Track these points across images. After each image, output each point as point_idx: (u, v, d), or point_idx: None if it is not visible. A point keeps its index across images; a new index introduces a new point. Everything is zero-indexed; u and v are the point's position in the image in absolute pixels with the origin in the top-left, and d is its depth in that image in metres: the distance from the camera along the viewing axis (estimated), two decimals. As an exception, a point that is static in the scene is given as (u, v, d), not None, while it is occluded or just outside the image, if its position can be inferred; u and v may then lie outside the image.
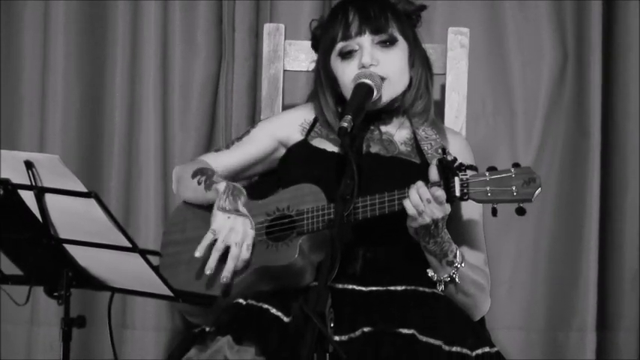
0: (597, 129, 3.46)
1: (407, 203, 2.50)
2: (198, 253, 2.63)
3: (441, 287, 2.63)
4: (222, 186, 2.70)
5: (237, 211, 2.65)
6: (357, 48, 2.75)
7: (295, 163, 2.82)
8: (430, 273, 2.64)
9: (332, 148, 2.80)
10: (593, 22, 3.45)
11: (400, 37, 2.77)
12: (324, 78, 2.83)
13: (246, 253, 2.62)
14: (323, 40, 2.82)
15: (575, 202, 3.50)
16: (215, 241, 2.63)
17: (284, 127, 2.90)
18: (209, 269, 2.62)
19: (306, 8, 3.42)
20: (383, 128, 2.82)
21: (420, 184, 2.50)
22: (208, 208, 2.75)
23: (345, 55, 2.76)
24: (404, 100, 2.82)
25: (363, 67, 2.71)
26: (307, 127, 2.87)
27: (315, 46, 2.93)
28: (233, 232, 2.63)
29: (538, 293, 3.52)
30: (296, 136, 2.87)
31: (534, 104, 3.52)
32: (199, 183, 2.76)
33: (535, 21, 3.51)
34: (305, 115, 2.90)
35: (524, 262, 3.53)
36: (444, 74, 3.13)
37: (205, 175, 2.77)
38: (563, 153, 3.53)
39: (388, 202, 2.55)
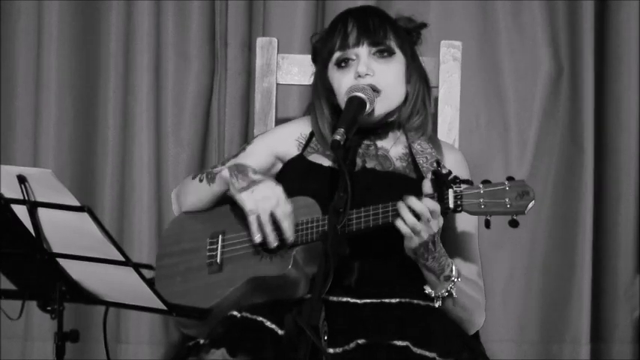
0: (590, 142, 3.47)
1: (400, 224, 2.51)
2: (258, 239, 2.61)
3: (438, 303, 2.63)
4: (225, 172, 2.70)
5: (253, 182, 2.65)
6: (354, 57, 2.76)
7: (291, 178, 2.81)
8: (427, 290, 2.63)
9: (328, 163, 2.80)
10: (585, 36, 3.47)
11: (398, 50, 2.78)
12: (321, 88, 2.84)
13: (289, 207, 2.61)
14: (321, 50, 2.82)
15: (568, 213, 3.50)
16: (259, 219, 2.62)
17: (280, 141, 2.90)
18: (274, 244, 2.61)
19: (299, 22, 3.43)
20: (379, 143, 2.83)
21: (412, 201, 2.50)
22: (203, 218, 2.76)
23: (342, 63, 2.76)
24: (400, 115, 2.82)
25: (359, 76, 2.72)
26: (303, 142, 2.87)
27: (315, 59, 2.93)
28: (265, 199, 2.62)
29: (532, 305, 3.53)
30: (292, 151, 2.87)
31: (528, 117, 3.53)
32: (201, 180, 2.77)
33: (529, 34, 3.52)
34: (301, 129, 2.90)
35: (518, 274, 3.53)
36: (437, 87, 3.14)
37: (205, 171, 2.78)
38: (557, 166, 3.54)
39: (382, 214, 2.55)
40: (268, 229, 2.61)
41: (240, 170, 2.69)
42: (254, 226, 2.62)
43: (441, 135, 3.10)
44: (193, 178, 2.82)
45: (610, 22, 3.52)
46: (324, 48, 2.80)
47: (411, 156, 2.81)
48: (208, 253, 2.73)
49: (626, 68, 3.48)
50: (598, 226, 3.52)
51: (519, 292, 3.52)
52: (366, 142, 2.82)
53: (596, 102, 3.49)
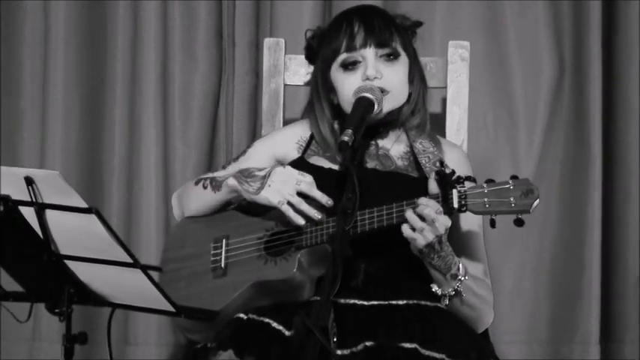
0: (598, 141, 3.46)
1: (403, 227, 2.51)
2: (301, 221, 2.60)
3: (445, 302, 2.62)
4: (232, 181, 2.70)
5: (263, 178, 2.66)
6: (360, 59, 2.75)
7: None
8: (434, 288, 2.62)
9: (329, 165, 2.80)
10: (592, 34, 3.46)
11: (402, 52, 2.78)
12: (321, 89, 2.83)
13: (308, 177, 2.62)
14: (323, 50, 2.81)
15: (577, 213, 3.50)
16: (292, 205, 2.62)
17: (280, 145, 2.89)
18: (318, 216, 2.60)
19: (306, 22, 3.42)
20: (379, 143, 2.82)
21: (422, 208, 2.50)
22: (207, 223, 2.76)
23: (348, 66, 2.75)
24: (401, 114, 2.81)
25: (368, 79, 2.71)
26: (304, 145, 2.87)
27: (309, 57, 2.92)
28: (284, 184, 2.62)
29: (541, 306, 3.52)
30: (293, 154, 2.86)
31: (535, 115, 3.52)
32: (205, 187, 2.76)
33: (536, 33, 3.51)
34: (301, 132, 2.89)
35: (527, 274, 3.53)
36: (445, 87, 3.13)
37: (208, 178, 2.78)
38: (564, 164, 3.53)
39: (387, 216, 2.55)
40: (305, 207, 2.61)
41: (246, 175, 2.69)
42: (291, 213, 2.61)
43: (449, 135, 3.10)
44: (196, 183, 2.81)
45: (618, 21, 3.51)
46: (327, 47, 2.79)
47: (412, 155, 2.81)
48: (212, 258, 2.73)
49: (635, 68, 3.47)
50: (606, 225, 3.51)
51: (528, 293, 3.52)
52: (367, 141, 2.81)
53: (604, 101, 3.48)
